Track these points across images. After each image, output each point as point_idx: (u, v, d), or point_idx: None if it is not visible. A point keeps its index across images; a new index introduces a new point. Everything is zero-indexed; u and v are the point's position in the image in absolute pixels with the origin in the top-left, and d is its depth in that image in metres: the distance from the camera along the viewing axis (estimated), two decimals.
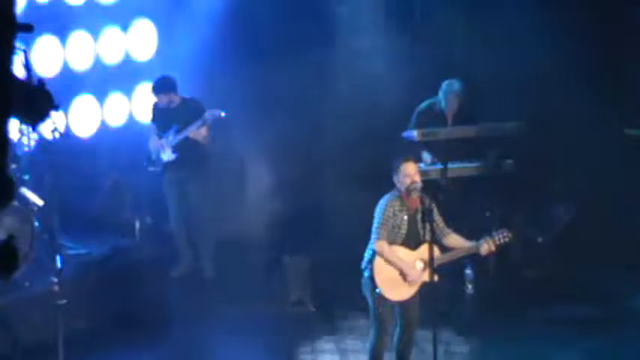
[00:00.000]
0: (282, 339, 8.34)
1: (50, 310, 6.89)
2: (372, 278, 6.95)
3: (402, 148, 9.63)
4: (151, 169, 9.70)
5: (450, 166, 9.51)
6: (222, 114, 9.39)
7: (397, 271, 6.93)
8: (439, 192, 9.15)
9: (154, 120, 9.75)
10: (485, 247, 7.14)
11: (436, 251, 6.92)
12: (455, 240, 7.18)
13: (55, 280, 6.86)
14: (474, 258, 9.40)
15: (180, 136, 9.48)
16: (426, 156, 9.66)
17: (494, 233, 7.18)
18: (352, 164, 10.37)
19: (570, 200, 10.61)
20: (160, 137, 9.61)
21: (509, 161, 9.79)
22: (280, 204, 10.23)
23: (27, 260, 7.72)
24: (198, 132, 9.44)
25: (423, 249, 6.93)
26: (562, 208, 10.32)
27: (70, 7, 9.69)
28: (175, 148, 9.53)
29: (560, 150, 10.84)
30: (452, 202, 9.52)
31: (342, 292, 8.58)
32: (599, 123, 10.57)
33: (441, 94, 9.71)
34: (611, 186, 10.54)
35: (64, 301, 6.83)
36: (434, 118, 9.74)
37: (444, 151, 9.54)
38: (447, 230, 7.14)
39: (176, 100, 9.51)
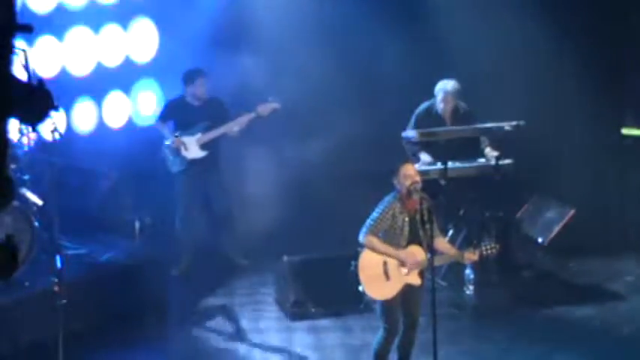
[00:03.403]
0: (282, 339, 8.34)
1: (50, 310, 6.89)
2: (356, 275, 7.00)
3: (401, 148, 9.66)
4: (175, 169, 9.59)
5: (450, 166, 9.51)
6: (278, 106, 9.40)
7: (380, 269, 6.94)
8: (439, 192, 9.21)
9: (169, 118, 9.64)
10: (470, 256, 7.16)
11: (422, 254, 6.93)
12: (442, 244, 7.20)
13: (55, 280, 6.86)
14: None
15: (216, 133, 9.43)
16: (425, 157, 9.67)
17: (482, 243, 7.18)
18: (353, 163, 10.37)
19: (570, 200, 10.61)
20: (178, 136, 9.51)
21: (509, 161, 9.79)
22: (280, 203, 10.23)
23: (27, 260, 7.72)
24: (236, 125, 9.41)
25: (410, 250, 6.94)
26: (561, 208, 10.31)
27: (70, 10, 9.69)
28: (205, 146, 9.50)
29: (559, 150, 10.85)
30: (452, 202, 9.55)
31: (343, 292, 8.56)
32: (597, 123, 10.58)
33: (435, 94, 9.74)
34: (610, 185, 10.55)
35: (64, 301, 6.83)
36: (433, 119, 9.73)
37: (443, 152, 9.54)
38: (437, 232, 7.14)
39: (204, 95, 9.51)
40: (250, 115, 9.42)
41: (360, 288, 7.01)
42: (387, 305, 6.96)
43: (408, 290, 6.97)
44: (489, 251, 7.19)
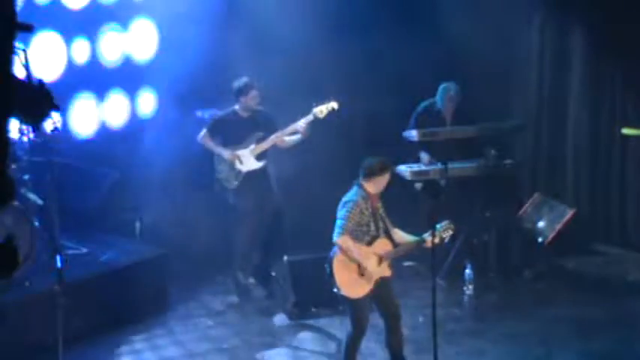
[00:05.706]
0: (283, 339, 8.34)
1: (50, 310, 6.89)
2: (331, 276, 7.05)
3: (399, 148, 9.67)
4: (230, 185, 9.33)
5: (449, 166, 9.52)
6: (336, 105, 9.09)
7: (355, 268, 7.02)
8: (439, 192, 9.21)
9: (217, 133, 9.35)
10: (430, 240, 7.14)
11: (389, 246, 7.12)
12: (400, 235, 7.27)
13: (55, 280, 6.85)
14: (473, 258, 9.45)
15: (271, 142, 9.21)
16: (424, 156, 9.69)
17: (438, 226, 7.19)
18: (353, 162, 10.35)
19: (570, 200, 10.61)
20: (233, 150, 9.26)
21: (509, 161, 9.80)
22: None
23: (27, 260, 7.72)
24: (293, 130, 9.17)
25: (377, 244, 7.08)
26: (561, 207, 10.31)
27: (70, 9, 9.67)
28: (260, 156, 9.27)
29: (559, 150, 10.84)
30: (452, 202, 9.55)
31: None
32: (597, 123, 10.58)
33: (438, 96, 9.78)
34: (610, 185, 10.55)
35: (64, 301, 6.83)
36: (433, 118, 9.77)
37: (443, 151, 9.55)
38: (392, 226, 7.27)
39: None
40: (308, 118, 9.11)
41: (335, 290, 7.08)
42: (358, 303, 7.05)
43: (380, 283, 7.09)
44: (447, 232, 7.24)
